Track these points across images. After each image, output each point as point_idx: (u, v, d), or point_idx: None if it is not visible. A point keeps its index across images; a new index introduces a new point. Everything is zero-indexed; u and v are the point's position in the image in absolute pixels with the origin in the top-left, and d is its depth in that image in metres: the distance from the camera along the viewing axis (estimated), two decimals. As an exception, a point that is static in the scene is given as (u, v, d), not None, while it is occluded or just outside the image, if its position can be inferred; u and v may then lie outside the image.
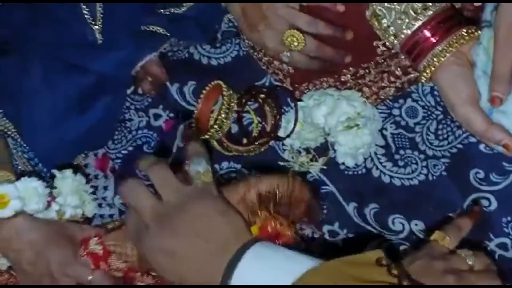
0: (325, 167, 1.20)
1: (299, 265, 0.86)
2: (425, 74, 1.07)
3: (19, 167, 1.18)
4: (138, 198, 0.96)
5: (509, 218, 1.14)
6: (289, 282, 0.84)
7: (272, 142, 1.21)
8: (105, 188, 1.25)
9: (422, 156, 1.17)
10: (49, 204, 1.11)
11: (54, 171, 1.14)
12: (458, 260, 0.99)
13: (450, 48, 1.05)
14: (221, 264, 0.89)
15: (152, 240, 0.93)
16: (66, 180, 1.12)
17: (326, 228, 1.18)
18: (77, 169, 1.17)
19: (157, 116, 1.26)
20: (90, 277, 1.05)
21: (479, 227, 1.14)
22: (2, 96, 1.19)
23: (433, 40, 1.06)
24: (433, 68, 1.06)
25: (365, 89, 1.19)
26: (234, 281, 0.88)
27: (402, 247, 1.16)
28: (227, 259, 0.89)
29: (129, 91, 1.28)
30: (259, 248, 0.89)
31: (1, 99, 1.19)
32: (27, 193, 1.08)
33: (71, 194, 1.11)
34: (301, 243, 1.01)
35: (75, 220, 1.12)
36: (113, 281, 1.06)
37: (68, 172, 1.14)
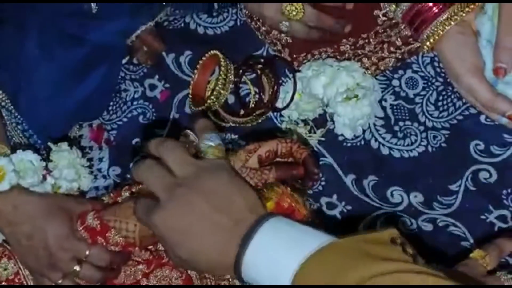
0: (323, 139, 1.19)
1: (314, 239, 0.84)
2: (427, 43, 1.05)
3: (13, 139, 1.16)
4: (152, 174, 0.94)
5: (509, 190, 1.14)
6: (304, 256, 0.83)
7: (269, 113, 1.20)
8: (100, 159, 1.24)
9: (421, 128, 1.16)
10: (44, 178, 1.09)
11: (50, 144, 1.13)
12: (494, 282, 0.99)
13: (455, 17, 1.04)
14: (236, 238, 0.87)
15: (165, 214, 0.91)
16: (62, 154, 1.10)
17: (323, 200, 1.18)
18: (72, 143, 1.15)
19: (152, 87, 1.25)
20: (88, 252, 1.04)
21: (479, 199, 1.14)
22: (-2, 66, 1.17)
23: (436, 9, 1.04)
24: (436, 37, 1.04)
25: (365, 60, 1.17)
26: (248, 255, 0.86)
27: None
28: (242, 233, 0.87)
29: (124, 61, 1.26)
30: (274, 223, 0.88)
31: (-4, 70, 1.17)
32: (22, 167, 1.06)
33: (67, 167, 1.10)
34: (315, 219, 1.01)
35: (71, 194, 1.11)
36: (110, 256, 1.04)
37: (64, 145, 1.12)
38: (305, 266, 0.82)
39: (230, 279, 1.10)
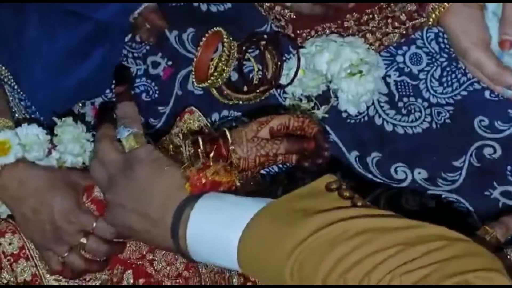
0: (327, 115, 1.18)
1: (247, 211, 0.84)
2: (433, 16, 1.05)
3: (16, 115, 1.16)
4: (95, 175, 1.00)
5: (513, 166, 1.14)
6: (240, 230, 0.83)
7: (273, 90, 1.20)
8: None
9: (425, 104, 1.16)
10: (49, 152, 1.09)
11: (55, 119, 1.12)
12: (501, 258, 0.99)
13: (460, -11, 1.04)
14: (166, 230, 0.89)
15: (110, 216, 0.97)
16: (67, 128, 1.10)
17: (327, 177, 1.17)
18: (77, 118, 1.15)
19: (155, 64, 1.24)
20: (94, 224, 1.04)
21: (483, 176, 1.14)
22: (0, 45, 1.16)
23: (442, -19, 1.04)
24: (442, 10, 1.04)
25: (369, 35, 1.17)
26: (190, 244, 0.87)
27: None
28: (168, 225, 0.89)
29: (126, 38, 1.25)
30: (199, 206, 0.88)
31: (-1, 48, 1.17)
32: (28, 140, 1.06)
33: (72, 142, 1.09)
34: (260, 183, 1.00)
35: (76, 168, 1.10)
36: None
37: (69, 120, 1.12)
38: (244, 241, 0.83)
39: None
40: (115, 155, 0.96)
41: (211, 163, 0.94)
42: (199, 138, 0.98)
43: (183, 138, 1.04)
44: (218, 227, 0.85)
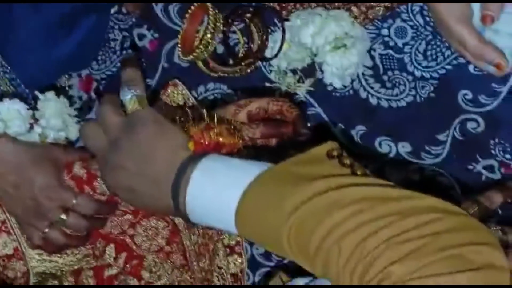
0: (312, 89, 1.18)
1: (248, 173, 0.84)
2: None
3: (1, 87, 1.16)
4: (89, 138, 0.99)
5: (496, 140, 1.14)
6: (240, 191, 0.83)
7: (258, 63, 1.20)
8: (89, 109, 1.23)
9: (410, 77, 1.16)
10: (31, 127, 1.09)
11: (37, 93, 1.12)
12: None
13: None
14: (168, 187, 0.89)
15: (103, 176, 0.97)
16: (49, 103, 1.10)
17: (312, 150, 1.18)
18: (60, 92, 1.15)
19: (141, 36, 1.24)
20: (74, 201, 1.04)
21: (466, 149, 1.15)
22: (-17, 16, 1.16)
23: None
24: None
25: (354, 9, 1.16)
26: (189, 201, 0.88)
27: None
28: (170, 183, 0.89)
29: (113, 10, 1.25)
30: (202, 167, 0.88)
31: (-19, 20, 1.16)
32: (9, 115, 1.06)
33: (54, 116, 1.09)
34: (250, 149, 1.01)
35: (58, 143, 1.11)
36: (97, 205, 1.05)
37: (51, 94, 1.11)
38: (243, 202, 0.83)
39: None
40: (117, 118, 0.96)
41: (215, 125, 0.95)
42: (177, 119, 0.98)
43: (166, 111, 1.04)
44: (219, 187, 0.85)
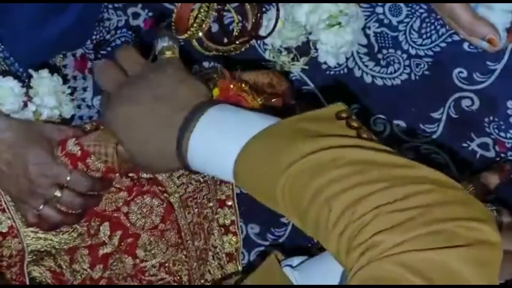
0: (306, 67, 1.18)
1: (256, 124, 0.85)
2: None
3: (-5, 66, 1.15)
4: (106, 74, 0.97)
5: (491, 118, 1.14)
6: (243, 140, 0.83)
7: (253, 41, 1.20)
8: (84, 89, 1.23)
9: (405, 55, 1.16)
10: (25, 105, 1.09)
11: (31, 71, 1.12)
12: None
13: None
14: (176, 126, 0.89)
15: (113, 110, 0.94)
16: (43, 81, 1.09)
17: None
18: (54, 70, 1.15)
19: (136, 15, 1.24)
20: (68, 177, 1.04)
21: (461, 127, 1.15)
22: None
23: None
24: None
25: (348, -14, 1.16)
26: (192, 142, 0.87)
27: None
28: (181, 120, 0.89)
29: (107, -11, 1.24)
30: (215, 111, 0.88)
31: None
32: (2, 93, 1.06)
33: (48, 94, 1.09)
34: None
35: (52, 121, 1.10)
36: (91, 182, 1.05)
37: (45, 72, 1.11)
38: (244, 151, 0.83)
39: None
40: (143, 59, 0.98)
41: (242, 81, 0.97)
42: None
43: None
44: (223, 135, 0.86)
